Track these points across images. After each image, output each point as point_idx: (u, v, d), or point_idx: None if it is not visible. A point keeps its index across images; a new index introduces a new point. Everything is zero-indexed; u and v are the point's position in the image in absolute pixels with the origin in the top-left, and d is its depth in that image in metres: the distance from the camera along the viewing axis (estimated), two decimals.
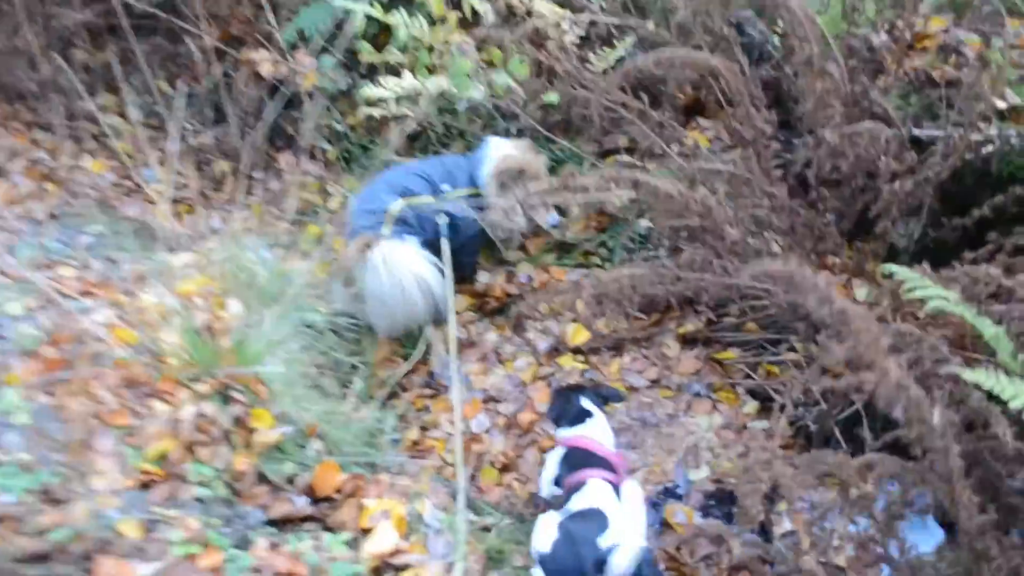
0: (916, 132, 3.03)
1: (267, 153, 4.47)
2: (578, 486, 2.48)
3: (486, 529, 2.80)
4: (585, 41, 3.76)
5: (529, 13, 3.83)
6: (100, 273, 3.21)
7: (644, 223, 3.78)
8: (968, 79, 2.98)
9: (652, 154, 3.37)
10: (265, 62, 3.94)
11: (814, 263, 2.97)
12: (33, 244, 3.41)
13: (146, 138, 4.32)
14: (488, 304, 3.87)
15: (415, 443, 3.28)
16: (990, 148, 2.99)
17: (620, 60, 3.79)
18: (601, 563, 2.17)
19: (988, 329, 2.07)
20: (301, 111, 4.38)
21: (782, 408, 2.63)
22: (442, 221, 3.57)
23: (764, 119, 2.65)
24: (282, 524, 2.36)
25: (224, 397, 2.42)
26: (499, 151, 3.64)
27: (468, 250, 3.79)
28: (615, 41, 3.66)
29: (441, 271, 3.46)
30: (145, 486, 2.20)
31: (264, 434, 2.40)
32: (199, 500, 2.25)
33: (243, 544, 2.21)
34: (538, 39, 3.64)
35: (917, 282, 2.30)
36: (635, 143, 3.56)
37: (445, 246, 3.51)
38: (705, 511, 3.01)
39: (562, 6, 3.74)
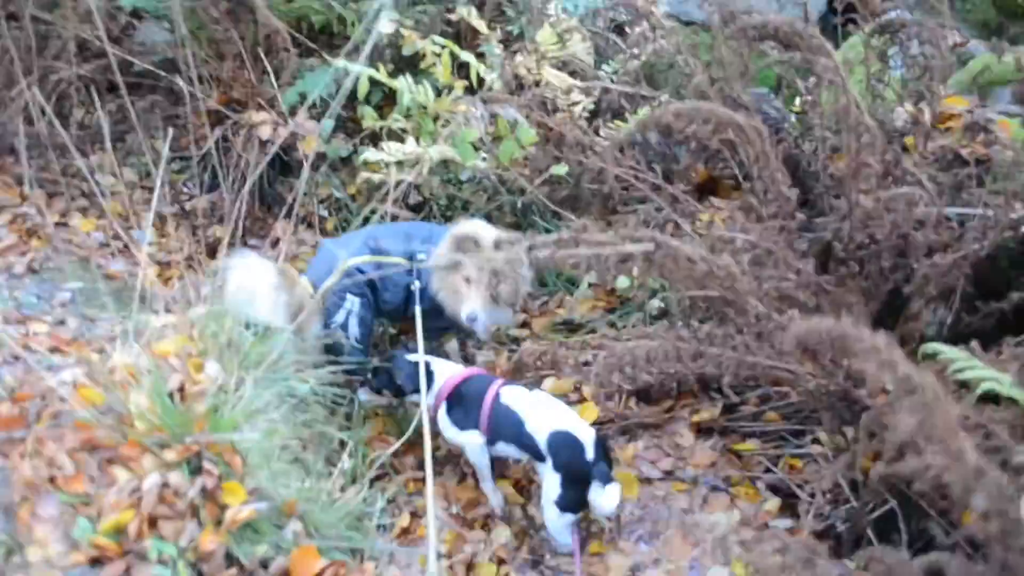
0: (947, 211, 2.87)
1: (264, 220, 4.31)
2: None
3: None
4: (596, 114, 3.64)
5: (537, 83, 3.75)
6: (74, 330, 2.99)
7: (656, 303, 3.60)
8: (1000, 156, 2.88)
9: (666, 230, 3.21)
10: (266, 125, 3.81)
11: None
12: (5, 298, 3.20)
13: (140, 199, 4.21)
14: None
15: (405, 530, 3.01)
16: None
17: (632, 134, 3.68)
18: None
19: None
20: (299, 178, 4.26)
21: (811, 499, 2.39)
22: (415, 287, 3.20)
23: (788, 186, 2.49)
24: None
25: (194, 467, 2.17)
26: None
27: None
28: (626, 114, 3.54)
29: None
30: (97, 562, 1.93)
31: (236, 511, 2.14)
32: None
33: None
34: (547, 110, 3.52)
35: (966, 363, 2.10)
36: (648, 220, 3.39)
37: (417, 314, 3.10)
38: None
39: (573, 75, 3.65)
